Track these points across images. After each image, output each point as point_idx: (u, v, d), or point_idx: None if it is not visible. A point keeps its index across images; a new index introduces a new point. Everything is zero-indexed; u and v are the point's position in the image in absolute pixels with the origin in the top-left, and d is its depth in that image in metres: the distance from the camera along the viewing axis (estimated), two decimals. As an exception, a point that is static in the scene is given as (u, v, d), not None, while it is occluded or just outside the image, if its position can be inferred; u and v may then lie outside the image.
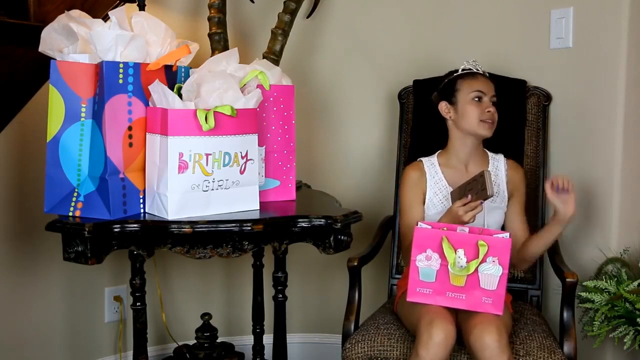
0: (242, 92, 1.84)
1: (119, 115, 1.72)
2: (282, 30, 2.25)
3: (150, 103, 1.78)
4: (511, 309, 1.96)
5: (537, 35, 2.29)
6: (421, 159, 2.11)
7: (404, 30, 2.54)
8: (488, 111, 2.00)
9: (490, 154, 2.11)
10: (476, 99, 2.00)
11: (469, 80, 2.03)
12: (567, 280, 1.90)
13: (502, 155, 2.11)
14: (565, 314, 1.90)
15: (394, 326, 1.94)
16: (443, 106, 2.06)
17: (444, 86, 2.07)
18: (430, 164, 2.09)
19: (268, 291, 2.22)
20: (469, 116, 2.01)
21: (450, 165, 2.07)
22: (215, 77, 1.80)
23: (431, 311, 1.77)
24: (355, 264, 2.04)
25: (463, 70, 2.06)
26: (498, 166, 2.09)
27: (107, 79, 1.69)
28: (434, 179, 2.06)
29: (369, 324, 1.97)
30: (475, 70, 2.05)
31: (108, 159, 1.69)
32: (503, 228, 2.05)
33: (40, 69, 1.93)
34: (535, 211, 2.23)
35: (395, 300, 2.06)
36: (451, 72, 2.09)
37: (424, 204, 2.05)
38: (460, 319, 1.83)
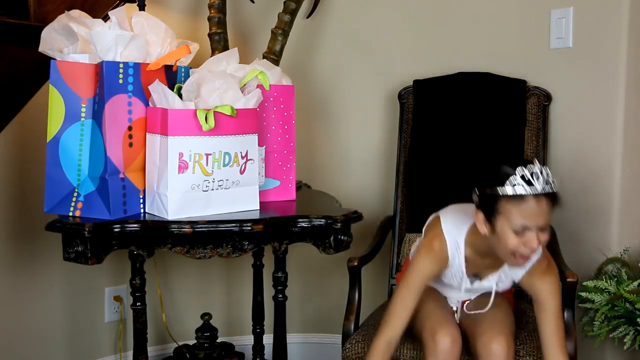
0: (242, 92, 1.84)
1: (119, 115, 1.72)
2: (282, 30, 2.25)
3: (150, 103, 1.78)
4: (512, 305, 1.96)
5: (537, 35, 2.29)
6: (448, 241, 1.73)
7: (404, 30, 2.54)
8: (530, 246, 1.58)
9: None
10: (520, 230, 1.58)
11: (516, 206, 1.56)
12: (568, 280, 1.89)
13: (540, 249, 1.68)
14: (565, 314, 1.89)
15: (394, 326, 1.93)
16: (480, 217, 1.63)
17: (485, 196, 1.62)
18: (456, 249, 1.73)
19: (268, 291, 2.22)
20: (505, 245, 1.60)
21: (475, 252, 1.73)
22: (215, 77, 1.80)
23: (433, 318, 1.76)
24: (356, 264, 2.04)
25: (514, 190, 1.56)
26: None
27: (107, 79, 1.69)
28: (453, 267, 1.76)
29: (369, 324, 1.97)
30: (528, 191, 1.55)
31: (108, 159, 1.69)
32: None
33: (40, 69, 1.93)
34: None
35: None
36: (497, 178, 1.58)
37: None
38: (465, 325, 1.82)
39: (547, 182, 1.56)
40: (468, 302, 1.83)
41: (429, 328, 1.74)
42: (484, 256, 1.71)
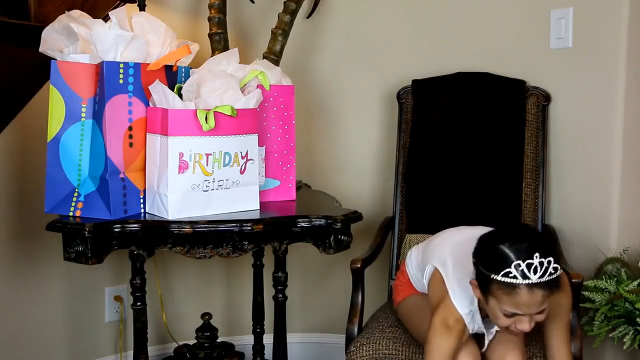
0: (242, 92, 1.85)
1: (120, 115, 1.72)
2: (282, 30, 2.25)
3: (150, 103, 1.78)
4: None
5: (537, 35, 2.29)
6: (463, 314, 1.64)
7: (404, 30, 2.54)
8: (521, 329, 1.54)
9: None
10: (510, 315, 1.53)
11: (507, 294, 1.49)
12: (573, 281, 1.87)
13: None
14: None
15: (399, 329, 1.93)
16: (473, 284, 1.59)
17: (479, 272, 1.55)
18: (472, 317, 1.67)
19: (268, 291, 2.22)
20: (496, 321, 1.57)
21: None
22: (216, 77, 1.80)
23: None
24: (359, 265, 2.02)
25: (504, 277, 1.48)
26: None
27: (107, 79, 1.69)
28: (473, 329, 1.69)
29: (374, 327, 1.96)
30: (521, 282, 1.47)
31: (108, 159, 1.70)
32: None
33: (40, 69, 1.94)
34: (535, 213, 2.23)
35: (394, 301, 2.04)
36: (493, 263, 1.50)
37: None
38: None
39: (545, 273, 1.47)
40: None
41: None
42: None
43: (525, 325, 1.53)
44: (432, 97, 2.37)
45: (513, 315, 1.52)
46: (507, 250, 1.49)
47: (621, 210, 2.13)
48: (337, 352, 2.52)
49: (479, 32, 2.41)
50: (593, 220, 2.18)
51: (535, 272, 1.46)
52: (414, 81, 2.41)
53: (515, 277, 1.47)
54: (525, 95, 2.29)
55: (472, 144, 2.28)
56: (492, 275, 1.50)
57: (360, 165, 2.63)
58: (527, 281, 1.47)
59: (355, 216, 1.84)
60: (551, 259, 1.48)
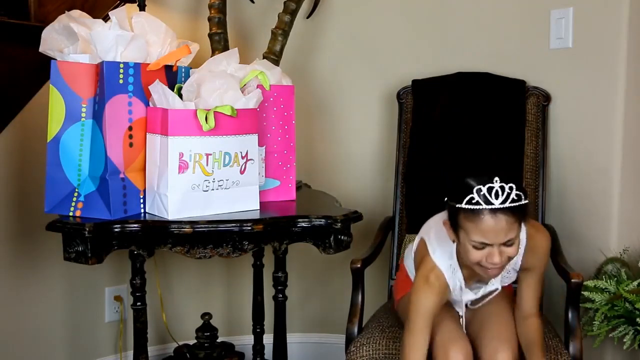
0: (242, 92, 1.85)
1: (120, 115, 1.72)
2: (282, 30, 2.26)
3: (150, 103, 1.78)
4: (512, 297, 1.96)
5: (537, 36, 2.29)
6: (443, 269, 1.68)
7: (404, 30, 2.54)
8: (492, 262, 1.57)
9: None
10: (479, 246, 1.57)
11: (472, 222, 1.54)
12: (573, 280, 1.88)
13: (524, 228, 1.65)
14: (570, 315, 1.89)
15: (399, 329, 1.92)
16: (447, 225, 1.63)
17: (449, 208, 1.61)
18: (452, 272, 1.70)
19: (268, 291, 2.22)
20: (468, 257, 1.60)
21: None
22: (216, 77, 1.80)
23: (444, 331, 1.75)
24: (359, 265, 2.02)
25: (468, 204, 1.53)
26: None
27: (107, 79, 1.69)
28: (455, 290, 1.72)
29: (374, 327, 1.96)
30: (483, 207, 1.52)
31: (108, 159, 1.70)
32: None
33: (40, 69, 1.94)
34: (535, 213, 2.23)
35: (394, 301, 2.04)
36: (458, 192, 1.56)
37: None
38: (470, 331, 1.82)
39: (507, 198, 1.52)
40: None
41: (440, 343, 1.73)
42: None
43: (495, 258, 1.55)
44: (432, 97, 2.37)
45: (483, 246, 1.55)
46: (470, 180, 1.55)
47: (621, 210, 2.13)
48: (337, 352, 2.52)
49: (479, 32, 2.41)
50: (593, 220, 2.18)
51: (496, 196, 1.51)
52: (414, 81, 2.41)
53: (478, 202, 1.52)
54: (525, 95, 2.29)
55: (472, 144, 2.28)
56: (457, 205, 1.55)
57: (360, 165, 2.63)
58: (489, 206, 1.51)
59: (355, 216, 1.84)
60: (512, 185, 1.53)
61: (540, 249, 1.72)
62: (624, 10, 2.09)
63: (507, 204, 1.52)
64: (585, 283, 1.99)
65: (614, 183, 2.13)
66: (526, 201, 1.56)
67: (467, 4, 2.44)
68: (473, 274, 1.71)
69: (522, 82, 2.30)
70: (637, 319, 1.90)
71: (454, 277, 1.70)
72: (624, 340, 1.93)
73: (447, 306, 1.84)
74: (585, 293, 1.97)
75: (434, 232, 1.74)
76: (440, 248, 1.70)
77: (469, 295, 1.77)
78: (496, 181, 1.52)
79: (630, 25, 2.09)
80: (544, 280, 1.81)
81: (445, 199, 1.62)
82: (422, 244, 1.76)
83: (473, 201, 1.52)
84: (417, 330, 1.68)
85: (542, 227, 1.79)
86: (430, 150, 2.32)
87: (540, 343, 1.77)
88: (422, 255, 1.75)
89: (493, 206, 1.51)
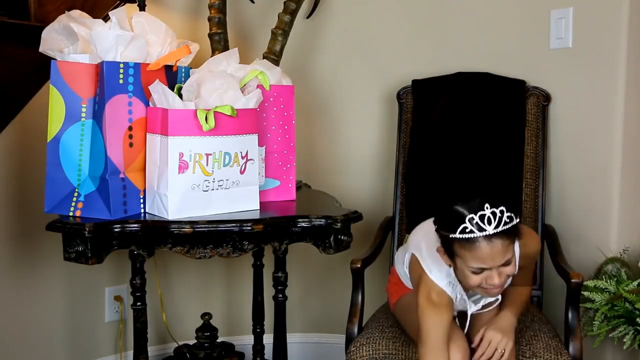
0: (242, 92, 1.85)
1: (119, 115, 1.72)
2: (282, 30, 2.26)
3: (150, 103, 1.78)
4: None
5: (537, 35, 2.29)
6: (443, 286, 1.69)
7: (404, 30, 2.54)
8: (492, 283, 1.58)
9: None
10: (478, 271, 1.58)
11: (468, 250, 1.55)
12: (573, 280, 1.88)
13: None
14: (570, 315, 1.89)
15: (399, 329, 1.93)
16: (441, 251, 1.63)
17: (441, 236, 1.61)
18: (453, 288, 1.70)
19: (268, 291, 2.22)
20: (468, 282, 1.61)
21: None
22: (216, 77, 1.80)
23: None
24: (359, 265, 2.02)
25: (462, 233, 1.53)
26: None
27: (107, 79, 1.69)
28: (457, 301, 1.74)
29: (373, 327, 1.96)
30: (477, 235, 1.52)
31: (108, 159, 1.70)
32: None
33: (40, 69, 1.94)
34: (535, 213, 2.23)
35: (390, 303, 2.04)
36: (450, 223, 1.55)
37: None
38: (470, 335, 1.81)
39: (500, 222, 1.53)
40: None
41: None
42: None
43: (495, 280, 1.57)
44: (432, 97, 2.37)
45: (481, 271, 1.57)
46: (460, 209, 1.54)
47: (621, 210, 2.13)
48: (337, 352, 2.52)
49: (479, 32, 2.42)
50: (593, 220, 2.18)
51: (489, 222, 1.52)
52: (414, 81, 2.42)
53: (472, 231, 1.52)
54: (525, 95, 2.29)
55: (472, 144, 2.28)
56: (451, 235, 1.55)
57: (360, 165, 2.63)
58: (483, 233, 1.52)
59: (355, 216, 1.84)
60: (503, 208, 1.53)
61: (532, 253, 1.76)
62: (624, 10, 2.09)
63: (500, 228, 1.53)
64: (585, 283, 1.99)
65: (614, 183, 2.13)
66: (517, 220, 1.57)
67: (467, 4, 2.44)
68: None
69: (522, 82, 2.30)
70: (637, 319, 1.90)
71: (454, 291, 1.71)
72: (624, 340, 1.93)
73: None
74: (585, 293, 1.97)
75: (425, 248, 1.73)
76: (435, 266, 1.70)
77: (471, 308, 1.77)
78: (487, 208, 1.52)
79: (630, 25, 2.09)
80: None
81: (435, 227, 1.61)
82: (415, 262, 1.75)
83: (467, 230, 1.53)
84: (437, 349, 1.67)
85: (531, 231, 1.81)
86: (430, 150, 2.32)
87: (517, 300, 1.78)
88: (417, 273, 1.74)
89: (487, 232, 1.52)
